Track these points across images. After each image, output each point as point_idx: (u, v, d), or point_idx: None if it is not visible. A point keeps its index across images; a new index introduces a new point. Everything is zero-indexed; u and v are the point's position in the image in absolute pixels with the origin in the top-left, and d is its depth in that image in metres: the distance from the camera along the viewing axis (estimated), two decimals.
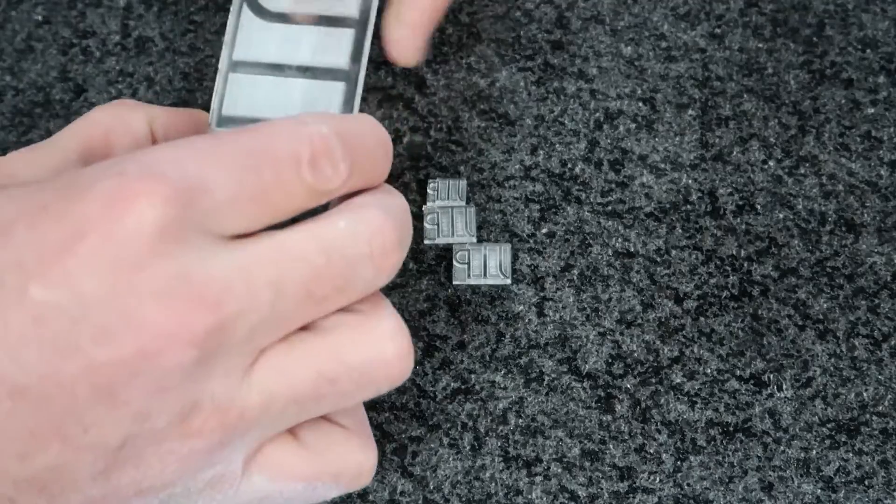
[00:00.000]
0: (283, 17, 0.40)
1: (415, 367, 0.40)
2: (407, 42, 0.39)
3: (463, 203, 0.42)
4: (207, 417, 0.29)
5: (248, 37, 0.39)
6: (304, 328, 0.31)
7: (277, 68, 0.39)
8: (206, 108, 0.45)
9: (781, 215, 0.42)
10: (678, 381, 0.39)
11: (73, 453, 0.28)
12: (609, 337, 0.40)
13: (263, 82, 0.39)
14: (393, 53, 0.40)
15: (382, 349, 0.31)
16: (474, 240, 0.42)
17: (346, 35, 0.39)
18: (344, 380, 0.31)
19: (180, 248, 0.28)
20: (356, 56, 0.39)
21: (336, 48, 0.39)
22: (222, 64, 0.39)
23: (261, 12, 0.40)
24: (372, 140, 0.32)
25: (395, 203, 0.32)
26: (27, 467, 0.28)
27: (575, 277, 0.41)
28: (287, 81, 0.39)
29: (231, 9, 0.39)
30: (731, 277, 0.41)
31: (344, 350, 0.31)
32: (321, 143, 0.31)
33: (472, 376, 0.40)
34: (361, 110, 0.38)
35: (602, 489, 0.38)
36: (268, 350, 0.30)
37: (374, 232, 0.31)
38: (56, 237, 0.28)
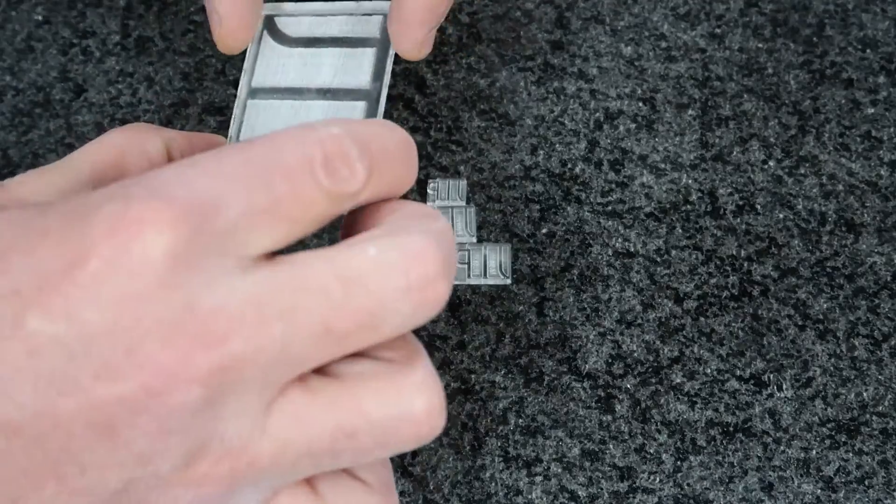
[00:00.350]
0: (303, 42, 0.40)
1: None
2: (410, 36, 0.38)
3: (463, 203, 0.42)
4: (215, 462, 0.27)
5: (267, 63, 0.40)
6: (325, 371, 0.29)
7: (297, 92, 0.39)
8: (206, 108, 0.45)
9: (781, 215, 0.42)
10: (678, 381, 0.39)
11: (68, 496, 0.27)
12: (609, 337, 0.40)
13: (282, 106, 0.39)
14: (397, 48, 0.40)
15: (410, 405, 0.28)
16: (474, 240, 0.42)
17: (368, 54, 0.39)
18: (364, 435, 0.28)
19: (189, 276, 0.26)
20: (378, 75, 0.39)
21: (357, 68, 0.39)
22: (241, 91, 0.39)
23: (282, 39, 0.40)
24: (390, 141, 0.30)
25: (439, 227, 0.29)
26: None
27: (575, 277, 0.41)
28: (306, 104, 0.39)
29: (254, 34, 0.40)
30: (731, 277, 0.41)
31: (366, 403, 0.28)
32: (333, 144, 0.29)
33: (472, 376, 0.40)
34: None
35: (602, 489, 0.38)
36: (285, 392, 0.28)
37: (413, 260, 0.28)
38: (56, 264, 0.26)
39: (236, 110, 0.39)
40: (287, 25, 0.40)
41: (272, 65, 0.40)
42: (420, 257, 0.27)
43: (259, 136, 0.30)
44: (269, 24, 0.40)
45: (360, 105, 0.39)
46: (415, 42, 0.38)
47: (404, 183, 0.31)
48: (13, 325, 0.26)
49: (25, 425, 0.26)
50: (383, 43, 0.39)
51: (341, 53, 0.40)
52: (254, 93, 0.39)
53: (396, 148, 0.30)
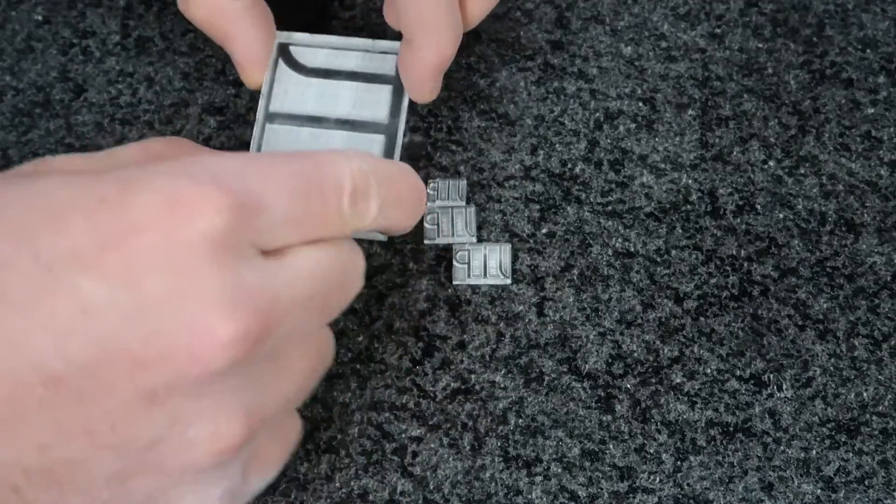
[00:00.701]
0: (320, 73, 0.41)
1: (415, 367, 0.40)
2: (421, 89, 0.41)
3: (463, 203, 0.42)
4: (238, 429, 0.29)
5: (284, 90, 0.41)
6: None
7: (316, 120, 0.41)
8: (206, 108, 0.45)
9: (781, 215, 0.42)
10: (678, 381, 0.39)
11: (95, 450, 0.28)
12: (609, 337, 0.40)
13: (302, 133, 0.41)
14: (410, 95, 0.41)
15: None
16: (474, 240, 0.42)
17: (385, 91, 0.41)
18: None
19: (236, 259, 0.28)
20: (394, 112, 0.41)
21: (375, 103, 0.41)
22: (259, 114, 0.41)
23: (297, 67, 0.41)
24: (404, 187, 0.34)
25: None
26: (45, 459, 0.28)
27: (575, 277, 0.41)
28: (327, 133, 0.41)
29: (269, 62, 0.41)
30: (731, 277, 0.41)
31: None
32: (361, 179, 0.32)
33: (472, 376, 0.40)
34: None
35: (602, 489, 0.38)
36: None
37: (363, 264, 0.34)
38: (114, 230, 0.27)
39: (256, 132, 0.40)
40: (302, 55, 0.42)
41: (290, 91, 0.41)
42: (362, 260, 0.34)
43: (305, 150, 0.33)
44: (284, 52, 0.42)
45: (379, 139, 0.40)
46: (425, 93, 0.41)
47: (403, 225, 0.35)
48: (70, 284, 0.27)
49: (69, 380, 0.27)
50: (399, 81, 0.41)
51: (359, 87, 0.41)
52: (272, 117, 0.41)
53: (408, 194, 0.34)
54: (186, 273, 0.27)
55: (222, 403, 0.29)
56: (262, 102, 0.41)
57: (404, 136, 0.41)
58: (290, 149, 0.40)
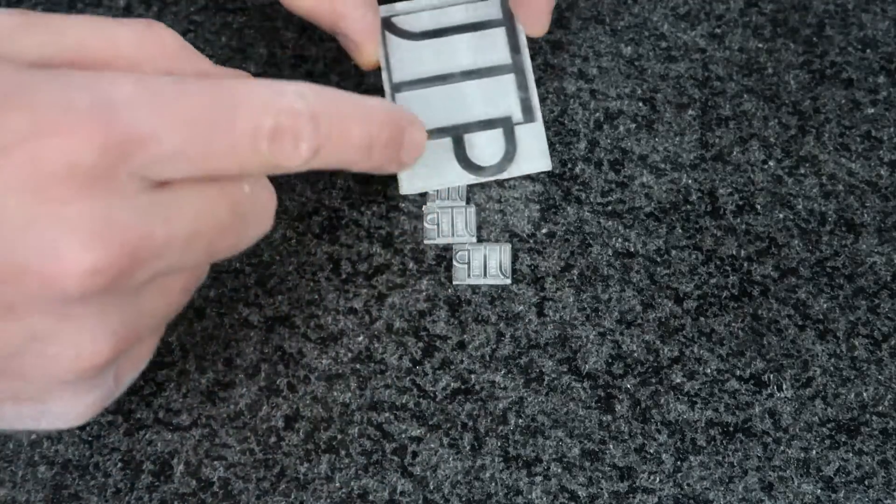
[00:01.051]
0: (430, 34, 0.42)
1: (415, 367, 0.40)
2: (537, 22, 0.42)
3: (463, 203, 0.42)
4: (103, 351, 0.29)
5: (400, 59, 0.42)
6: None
7: (442, 78, 0.42)
8: None
9: (781, 215, 0.42)
10: (678, 381, 0.39)
11: None
12: (609, 337, 0.40)
13: (432, 94, 0.42)
14: (526, 31, 0.42)
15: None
16: (474, 240, 0.42)
17: (499, 34, 0.42)
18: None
19: (107, 192, 0.28)
20: (515, 48, 0.42)
21: (492, 47, 0.42)
22: (385, 87, 0.42)
23: (406, 35, 0.42)
24: (358, 130, 0.32)
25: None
26: None
27: (575, 277, 0.41)
28: (457, 87, 0.42)
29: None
30: (731, 277, 0.41)
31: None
32: (288, 118, 0.30)
33: (472, 376, 0.40)
34: None
35: (602, 489, 0.38)
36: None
37: (272, 206, 0.32)
38: None
39: None
40: (407, 22, 0.43)
41: (406, 59, 0.42)
42: (273, 204, 0.33)
43: (227, 80, 0.30)
44: (388, 25, 0.42)
45: (510, 78, 0.42)
46: (544, 24, 0.42)
47: (366, 166, 0.34)
48: None
49: None
50: (509, 19, 0.42)
51: (473, 37, 0.43)
52: (397, 87, 0.42)
53: (361, 136, 0.32)
54: (48, 200, 0.27)
55: (85, 327, 0.29)
56: (384, 76, 0.42)
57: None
58: (426, 112, 0.40)
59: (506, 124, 0.42)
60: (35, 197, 0.27)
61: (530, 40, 0.43)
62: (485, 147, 0.42)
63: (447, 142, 0.41)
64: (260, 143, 0.30)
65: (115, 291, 0.29)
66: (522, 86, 0.42)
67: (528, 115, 0.42)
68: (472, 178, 0.42)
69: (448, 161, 0.41)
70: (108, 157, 0.28)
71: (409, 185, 0.42)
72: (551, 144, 0.43)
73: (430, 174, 0.41)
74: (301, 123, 0.30)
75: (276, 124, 0.30)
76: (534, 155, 0.42)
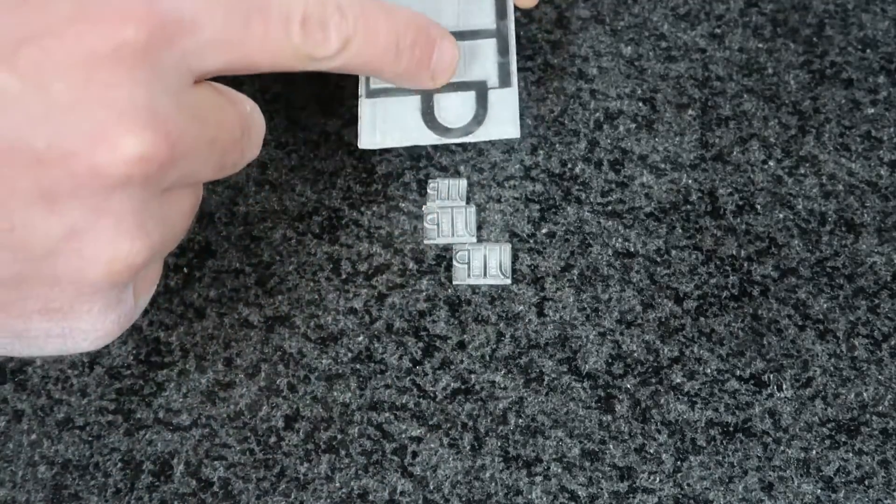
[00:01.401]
0: None
1: (415, 367, 0.40)
2: None
3: (463, 203, 0.42)
4: (137, 252, 0.29)
5: None
6: None
7: None
8: None
9: (781, 215, 0.42)
10: (678, 381, 0.39)
11: None
12: (609, 337, 0.40)
13: None
14: (517, 2, 0.42)
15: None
16: (474, 240, 0.42)
17: None
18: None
19: (153, 78, 0.28)
20: (501, 13, 0.41)
21: (479, 10, 0.41)
22: None
23: None
24: (383, 25, 0.34)
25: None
26: None
27: (575, 277, 0.41)
28: None
29: None
30: (731, 277, 0.41)
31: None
32: (317, 7, 0.31)
33: (472, 376, 0.40)
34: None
35: (602, 489, 0.38)
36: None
37: (263, 131, 0.34)
38: (32, 29, 0.27)
39: None
40: None
41: None
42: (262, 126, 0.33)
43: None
44: None
45: (491, 42, 0.41)
46: None
47: (393, 70, 0.35)
48: None
49: None
50: None
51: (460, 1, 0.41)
52: None
53: (386, 32, 0.34)
54: (96, 83, 0.27)
55: (122, 224, 0.29)
56: None
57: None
58: None
59: (480, 87, 0.40)
60: (83, 79, 0.27)
61: (527, 29, 0.43)
62: (454, 108, 0.40)
63: (416, 99, 0.40)
64: (292, 28, 0.31)
65: (151, 187, 0.29)
66: (503, 51, 0.41)
67: (504, 80, 0.41)
68: (436, 139, 0.40)
69: (413, 119, 0.40)
70: (154, 40, 0.28)
71: (368, 139, 0.40)
72: (551, 144, 0.43)
73: (391, 129, 0.40)
74: (329, 12, 0.32)
75: (307, 11, 0.31)
76: (503, 119, 0.40)
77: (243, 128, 0.32)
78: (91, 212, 0.28)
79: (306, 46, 0.32)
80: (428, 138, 0.40)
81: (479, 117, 0.40)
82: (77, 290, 0.30)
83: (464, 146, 0.43)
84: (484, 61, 0.40)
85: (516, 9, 0.42)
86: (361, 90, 0.40)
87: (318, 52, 0.32)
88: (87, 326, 0.31)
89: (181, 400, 0.39)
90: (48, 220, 0.28)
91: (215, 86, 0.31)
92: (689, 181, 0.43)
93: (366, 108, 0.40)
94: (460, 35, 0.41)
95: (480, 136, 0.40)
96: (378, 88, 0.40)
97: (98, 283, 0.30)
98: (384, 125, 0.40)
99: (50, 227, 0.28)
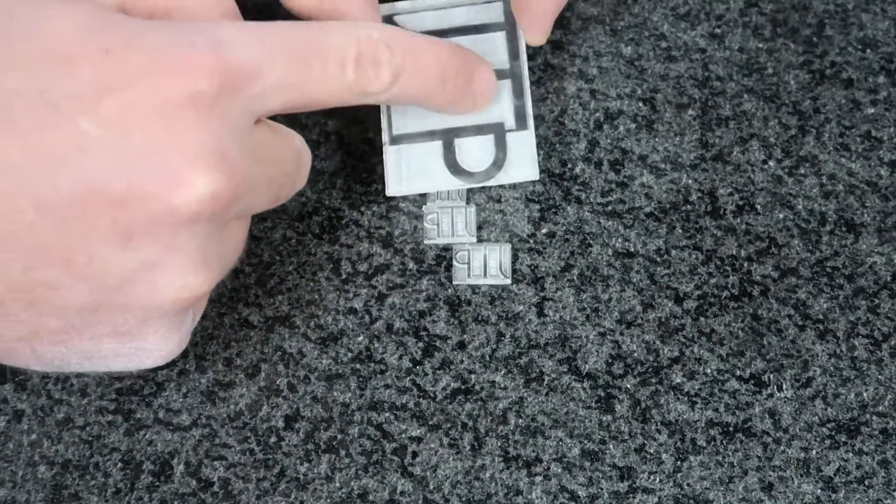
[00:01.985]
0: (429, 35, 0.40)
1: (415, 367, 0.40)
2: (539, 29, 0.42)
3: (463, 203, 0.42)
4: (202, 282, 0.32)
5: None
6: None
7: None
8: None
9: (781, 215, 0.42)
10: (678, 381, 0.39)
11: (71, 279, 0.30)
12: (609, 337, 0.40)
13: None
14: (526, 38, 0.43)
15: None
16: (474, 240, 0.42)
17: (499, 37, 0.43)
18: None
19: (222, 126, 0.31)
20: (514, 54, 0.42)
21: (492, 51, 0.42)
22: None
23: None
24: (427, 57, 0.36)
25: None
26: (27, 279, 0.30)
27: (575, 277, 0.41)
28: None
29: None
30: (731, 277, 0.41)
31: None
32: (368, 45, 0.34)
33: (472, 376, 0.40)
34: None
35: (602, 489, 0.38)
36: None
37: (310, 161, 0.36)
38: (114, 80, 0.29)
39: (383, 105, 0.41)
40: (409, 22, 0.42)
41: None
42: (308, 156, 0.36)
43: (310, 21, 0.35)
44: (389, 24, 0.42)
45: (506, 83, 0.42)
46: (545, 31, 0.42)
47: (440, 100, 0.37)
48: (69, 122, 0.29)
49: (58, 209, 0.29)
50: (511, 25, 0.42)
51: (473, 40, 0.42)
52: None
53: (432, 63, 0.36)
54: (172, 129, 0.30)
55: (190, 257, 0.31)
56: None
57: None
58: (419, 117, 0.42)
59: (497, 130, 0.41)
60: (160, 127, 0.30)
61: (528, 45, 0.43)
62: (474, 152, 0.41)
63: (437, 145, 0.41)
64: (347, 68, 0.33)
65: (215, 223, 0.31)
66: (518, 92, 0.41)
67: (520, 122, 0.41)
68: (460, 184, 0.41)
69: (436, 164, 0.41)
70: (225, 89, 0.31)
71: (395, 186, 0.41)
72: (551, 144, 0.43)
73: (417, 176, 0.41)
74: (380, 50, 0.34)
75: (359, 51, 0.33)
76: (523, 163, 0.41)
77: (296, 162, 0.35)
78: (164, 247, 0.31)
79: (360, 83, 0.34)
80: (452, 184, 0.42)
81: (499, 162, 0.41)
82: (145, 316, 0.32)
83: None
84: (500, 103, 0.41)
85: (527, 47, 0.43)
86: (385, 137, 0.41)
87: (372, 88, 0.34)
88: (153, 346, 0.34)
89: (181, 400, 0.39)
90: (123, 255, 0.30)
91: (271, 124, 0.34)
92: (689, 181, 0.43)
93: (390, 155, 0.41)
94: None
95: (501, 180, 0.42)
96: (400, 135, 0.41)
97: (166, 310, 0.32)
98: (409, 172, 0.41)
99: (125, 261, 0.31)
